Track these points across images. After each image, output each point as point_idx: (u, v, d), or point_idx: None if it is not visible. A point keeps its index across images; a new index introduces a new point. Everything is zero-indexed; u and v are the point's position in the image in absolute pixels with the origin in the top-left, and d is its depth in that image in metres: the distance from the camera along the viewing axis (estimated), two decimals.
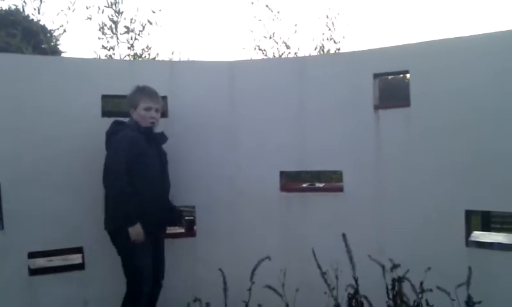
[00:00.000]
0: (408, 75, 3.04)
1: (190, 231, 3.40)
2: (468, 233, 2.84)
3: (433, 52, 2.89)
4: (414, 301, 1.98)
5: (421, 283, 1.98)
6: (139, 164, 2.86)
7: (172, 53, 7.79)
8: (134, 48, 6.98)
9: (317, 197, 3.31)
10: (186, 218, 3.52)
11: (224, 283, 2.07)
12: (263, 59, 6.45)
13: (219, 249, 3.26)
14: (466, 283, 1.92)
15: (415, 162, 2.93)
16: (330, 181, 4.20)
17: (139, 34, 7.08)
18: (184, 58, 7.40)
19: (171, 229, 3.55)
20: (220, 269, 2.11)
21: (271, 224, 3.31)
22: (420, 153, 2.90)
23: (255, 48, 7.49)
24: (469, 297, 1.89)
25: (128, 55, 6.89)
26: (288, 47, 7.33)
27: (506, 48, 2.65)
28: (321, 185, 3.45)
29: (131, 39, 7.07)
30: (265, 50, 7.47)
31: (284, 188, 3.33)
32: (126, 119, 3.06)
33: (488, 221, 4.19)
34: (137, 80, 3.19)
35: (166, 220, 3.13)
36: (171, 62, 3.92)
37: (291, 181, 4.29)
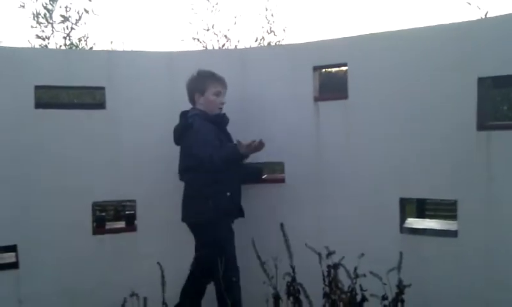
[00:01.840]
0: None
1: (130, 226, 3.33)
2: (403, 220, 2.96)
3: (371, 46, 2.96)
4: (349, 286, 2.05)
5: (355, 269, 2.04)
6: None
7: (111, 43, 7.58)
8: (71, 37, 6.72)
9: (260, 188, 3.33)
10: (127, 212, 3.44)
11: (162, 276, 2.05)
12: (204, 50, 6.40)
13: (160, 243, 3.21)
14: (397, 268, 2.00)
15: (352, 153, 3.02)
16: (274, 172, 4.24)
17: (75, 24, 6.82)
18: (122, 48, 7.21)
19: (110, 225, 3.48)
20: (158, 263, 2.09)
21: None
22: (357, 144, 2.99)
23: (195, 40, 7.44)
24: (400, 281, 1.97)
25: (65, 45, 6.64)
26: (228, 39, 7.33)
27: (444, 43, 2.75)
28: (264, 176, 3.47)
29: (67, 28, 6.80)
30: (204, 42, 7.43)
31: None
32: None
33: (422, 209, 4.40)
34: (72, 70, 3.09)
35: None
36: (108, 52, 3.80)
37: None
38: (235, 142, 2.82)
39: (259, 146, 2.74)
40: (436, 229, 2.93)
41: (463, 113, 2.69)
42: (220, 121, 2.94)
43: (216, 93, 2.92)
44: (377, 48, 2.93)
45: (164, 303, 2.02)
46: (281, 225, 2.08)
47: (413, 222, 3.04)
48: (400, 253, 2.03)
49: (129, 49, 6.35)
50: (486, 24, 2.71)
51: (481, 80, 2.65)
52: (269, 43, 6.57)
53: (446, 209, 4.87)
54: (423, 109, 2.81)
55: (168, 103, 3.26)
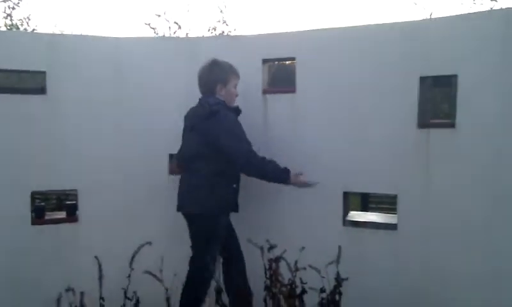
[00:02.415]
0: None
1: (72, 217, 3.22)
2: (346, 213, 3.03)
3: (319, 41, 2.99)
4: (289, 279, 2.07)
5: (295, 262, 2.07)
6: None
7: (55, 26, 7.28)
8: (12, 18, 6.39)
9: None
10: (68, 202, 3.32)
11: (100, 270, 2.00)
12: (152, 37, 6.26)
13: (102, 235, 3.13)
14: (336, 261, 2.04)
15: (298, 146, 3.04)
16: None
17: (17, 4, 6.49)
18: (67, 32, 6.95)
19: (51, 215, 3.35)
20: (96, 256, 2.03)
21: (159, 208, 3.25)
22: (303, 137, 3.02)
23: (147, 25, 7.27)
24: (338, 274, 2.01)
25: (5, 25, 6.31)
26: (179, 27, 7.21)
27: (388, 42, 2.81)
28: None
29: (8, 8, 6.46)
30: (155, 29, 7.28)
31: (173, 171, 3.28)
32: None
33: (366, 202, 4.51)
34: (12, 53, 2.93)
35: None
36: (51, 35, 3.62)
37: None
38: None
39: (307, 186, 2.83)
40: (376, 222, 3.02)
41: (404, 111, 2.77)
42: (239, 113, 2.92)
43: (235, 85, 2.93)
44: (326, 44, 2.97)
45: (101, 298, 1.97)
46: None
47: (355, 215, 3.11)
48: (339, 247, 2.07)
49: (74, 33, 6.11)
50: (429, 25, 2.78)
51: (422, 80, 2.74)
52: (222, 33, 6.51)
53: (389, 202, 5.05)
54: (367, 106, 2.87)
55: (113, 90, 3.17)
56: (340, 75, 2.93)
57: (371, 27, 2.90)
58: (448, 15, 2.76)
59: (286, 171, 2.77)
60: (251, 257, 2.10)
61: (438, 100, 3.70)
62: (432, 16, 3.00)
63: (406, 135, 2.76)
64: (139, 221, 3.20)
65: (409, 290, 2.80)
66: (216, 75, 2.89)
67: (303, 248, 2.12)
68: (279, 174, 2.77)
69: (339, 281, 1.98)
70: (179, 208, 2.90)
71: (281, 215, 3.11)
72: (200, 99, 2.93)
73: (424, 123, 2.74)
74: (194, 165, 2.84)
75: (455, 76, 2.63)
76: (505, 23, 2.48)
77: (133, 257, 2.07)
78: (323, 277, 1.98)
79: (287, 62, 4.16)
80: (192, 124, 2.87)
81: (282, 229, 3.01)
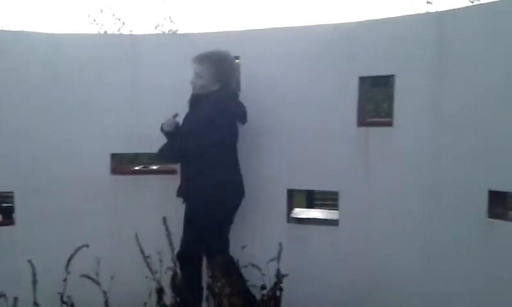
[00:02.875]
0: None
1: (8, 219, 3.09)
2: (290, 210, 3.08)
3: (263, 40, 3.01)
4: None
5: (237, 260, 2.08)
6: None
7: None
8: None
9: (152, 179, 3.27)
10: (4, 205, 3.18)
11: (34, 275, 1.93)
12: (93, 34, 6.09)
13: (39, 238, 3.02)
14: (277, 258, 2.07)
15: (244, 144, 3.04)
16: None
17: None
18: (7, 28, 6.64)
19: None
20: (29, 261, 1.96)
21: (101, 209, 3.17)
22: (249, 136, 3.03)
23: (92, 22, 7.07)
24: (278, 270, 2.04)
25: None
26: (123, 23, 7.06)
27: (329, 42, 2.87)
28: (155, 167, 3.40)
29: None
30: (100, 24, 7.09)
31: (115, 171, 3.21)
32: None
33: (311, 199, 4.60)
34: None
35: None
36: None
37: (128, 163, 4.17)
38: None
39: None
40: (319, 219, 3.08)
41: (345, 109, 2.84)
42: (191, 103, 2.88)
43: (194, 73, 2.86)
44: (270, 43, 2.99)
45: (35, 303, 1.90)
46: (164, 219, 2.05)
47: (299, 213, 3.16)
48: (280, 244, 2.10)
49: (11, 29, 5.85)
50: (369, 26, 2.86)
51: (362, 79, 2.82)
52: (170, 31, 6.41)
53: (333, 199, 5.17)
54: (310, 105, 2.92)
55: (52, 88, 3.06)
56: (284, 74, 2.97)
57: (315, 28, 2.95)
58: (386, 17, 2.86)
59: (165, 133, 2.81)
60: None
61: (379, 99, 3.81)
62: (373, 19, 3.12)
63: (346, 133, 2.83)
64: (77, 223, 3.11)
65: (352, 284, 2.88)
66: (233, 69, 2.91)
67: (244, 247, 2.13)
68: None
69: (279, 277, 2.00)
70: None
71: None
72: None
73: (363, 121, 2.83)
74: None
75: (392, 76, 2.73)
76: (439, 25, 2.60)
77: (69, 260, 2.01)
78: (264, 274, 2.00)
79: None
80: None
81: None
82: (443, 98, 2.57)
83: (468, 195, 2.49)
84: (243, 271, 2.10)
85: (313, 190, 4.36)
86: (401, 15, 2.84)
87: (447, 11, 2.67)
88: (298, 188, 3.19)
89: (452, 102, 2.53)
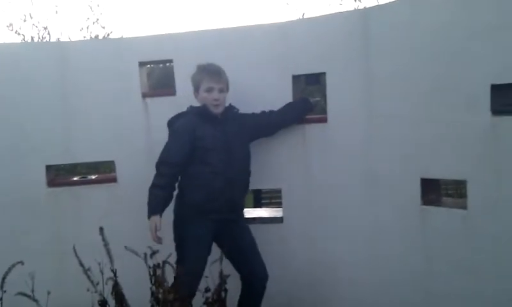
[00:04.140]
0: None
1: None
2: None
3: (196, 42, 3.00)
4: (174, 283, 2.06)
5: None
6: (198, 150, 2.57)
7: None
8: None
9: (91, 190, 3.18)
10: None
11: None
12: (17, 43, 5.83)
13: None
14: (219, 259, 2.08)
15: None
16: (110, 172, 4.08)
17: None
18: None
19: None
20: None
21: (39, 223, 3.06)
22: None
23: (16, 33, 6.74)
24: (221, 272, 2.04)
25: None
26: (48, 31, 6.78)
27: (264, 42, 2.91)
28: (93, 177, 3.31)
29: None
30: (22, 34, 6.77)
31: (52, 183, 3.10)
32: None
33: (259, 198, 4.63)
34: None
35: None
36: None
37: (66, 175, 4.04)
38: None
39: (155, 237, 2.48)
40: (264, 217, 3.12)
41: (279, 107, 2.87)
42: (215, 122, 2.65)
43: (209, 89, 2.64)
44: (203, 46, 2.98)
45: None
46: (101, 229, 2.00)
47: (246, 212, 3.17)
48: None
49: None
50: (299, 25, 2.93)
51: (295, 78, 2.87)
52: (97, 36, 6.22)
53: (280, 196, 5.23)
54: (248, 104, 2.94)
55: None
56: None
57: (249, 28, 2.98)
58: (316, 16, 2.93)
59: (151, 210, 2.52)
60: (134, 265, 2.06)
61: (315, 96, 3.91)
62: (305, 17, 3.15)
63: (284, 131, 2.87)
64: (16, 238, 3.00)
65: (297, 279, 2.94)
66: (192, 80, 2.72)
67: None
68: (149, 206, 2.55)
69: (223, 278, 2.01)
70: None
71: (171, 218, 3.07)
72: None
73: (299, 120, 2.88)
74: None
75: (323, 73, 2.81)
76: (365, 21, 2.69)
77: (3, 278, 1.93)
78: (206, 276, 2.00)
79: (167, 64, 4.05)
80: None
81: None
82: (374, 92, 2.67)
83: (403, 183, 2.60)
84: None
85: (259, 189, 4.39)
86: (330, 13, 2.92)
87: (372, 7, 2.77)
88: None
89: (381, 95, 2.64)
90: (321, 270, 2.90)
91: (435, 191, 2.61)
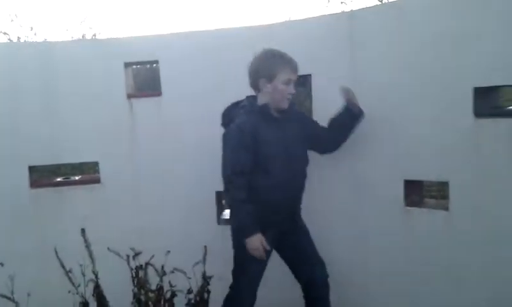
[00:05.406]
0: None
1: None
2: (220, 212, 3.08)
3: (182, 44, 3.00)
4: (157, 285, 2.06)
5: (162, 267, 2.06)
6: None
7: None
8: None
9: (74, 190, 3.14)
10: None
11: None
12: (4, 42, 5.77)
13: None
14: (203, 261, 2.07)
15: (169, 149, 3.03)
16: (94, 172, 4.05)
17: None
18: None
19: None
20: None
21: (21, 224, 3.03)
22: (171, 140, 3.01)
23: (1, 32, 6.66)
24: (204, 273, 2.04)
25: None
26: (34, 32, 6.70)
27: (249, 44, 2.89)
28: (77, 177, 3.28)
29: None
30: (7, 34, 6.69)
31: (35, 184, 3.07)
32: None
33: None
34: None
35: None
36: None
37: (49, 175, 4.00)
38: None
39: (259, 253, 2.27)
40: None
41: None
42: (278, 121, 2.40)
43: (288, 81, 2.34)
44: (190, 47, 2.98)
45: None
46: (82, 230, 1.99)
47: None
48: (205, 247, 2.10)
49: None
50: (284, 26, 2.93)
51: None
52: (83, 36, 6.17)
53: None
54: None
55: None
56: (206, 78, 2.96)
57: (232, 30, 2.98)
58: (302, 18, 2.94)
59: (251, 229, 2.23)
60: (118, 266, 2.05)
61: (302, 98, 3.93)
62: (291, 19, 3.14)
63: None
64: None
65: (278, 282, 2.92)
66: (259, 66, 2.35)
67: (168, 252, 2.11)
68: (245, 226, 2.26)
69: (206, 279, 2.00)
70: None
71: (156, 219, 3.06)
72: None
73: None
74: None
75: (309, 75, 2.81)
76: (350, 24, 2.71)
77: None
78: (189, 278, 2.00)
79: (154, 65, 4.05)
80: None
81: (160, 233, 2.96)
82: (359, 94, 2.67)
83: (387, 185, 2.62)
84: (169, 277, 2.07)
85: None
86: (316, 15, 2.93)
87: (359, 10, 2.78)
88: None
89: (366, 97, 2.64)
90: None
91: (418, 192, 2.63)
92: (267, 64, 2.33)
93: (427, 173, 2.51)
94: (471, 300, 2.34)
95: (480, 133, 2.27)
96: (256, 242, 2.20)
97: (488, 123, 2.25)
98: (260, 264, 2.34)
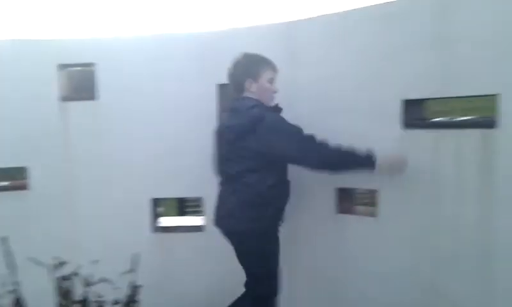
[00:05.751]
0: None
1: None
2: (154, 219, 3.03)
3: (119, 47, 2.93)
4: (82, 295, 1.99)
5: (88, 277, 1.99)
6: None
7: None
8: None
9: (1, 197, 3.00)
10: None
11: None
12: None
13: None
14: (132, 270, 2.02)
15: (104, 154, 2.95)
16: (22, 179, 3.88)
17: None
18: None
19: None
20: None
21: None
22: (108, 145, 2.94)
23: None
24: (131, 283, 1.99)
25: None
26: None
27: (187, 50, 2.89)
28: (6, 183, 3.13)
29: None
30: None
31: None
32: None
33: (183, 206, 4.58)
34: None
35: None
36: None
37: None
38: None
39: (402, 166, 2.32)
40: (186, 226, 3.09)
41: (206, 115, 2.87)
42: (280, 112, 2.47)
43: (271, 79, 2.45)
44: (127, 51, 2.92)
45: None
46: (4, 239, 1.90)
47: (165, 221, 3.14)
48: (134, 255, 2.05)
49: None
50: (224, 35, 2.92)
51: (221, 87, 2.88)
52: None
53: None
54: (171, 113, 2.91)
55: None
56: (143, 82, 2.92)
57: (174, 36, 2.94)
58: (242, 27, 2.96)
59: (370, 159, 2.27)
60: (43, 276, 1.96)
61: None
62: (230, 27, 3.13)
63: (207, 141, 2.82)
64: None
65: (218, 287, 2.92)
66: (243, 67, 2.43)
67: (97, 261, 2.05)
68: (360, 159, 2.28)
69: (134, 289, 1.96)
70: (224, 225, 2.50)
71: (94, 227, 2.98)
72: (232, 102, 2.49)
73: None
74: (249, 180, 2.36)
75: None
76: (289, 33, 2.76)
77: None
78: (117, 288, 1.94)
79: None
80: (236, 135, 2.36)
81: (97, 242, 2.90)
82: (297, 105, 2.71)
83: (321, 193, 2.68)
84: (98, 287, 2.01)
85: (183, 198, 4.35)
86: (256, 25, 2.95)
87: (295, 21, 2.83)
88: (163, 196, 3.14)
89: (301, 108, 2.69)
90: (238, 278, 2.90)
91: (349, 200, 2.71)
92: (251, 65, 2.43)
93: (357, 181, 2.58)
94: (399, 305, 2.43)
95: (407, 143, 2.36)
96: (389, 158, 2.31)
97: (415, 134, 2.35)
98: (276, 255, 2.49)
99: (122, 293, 2.07)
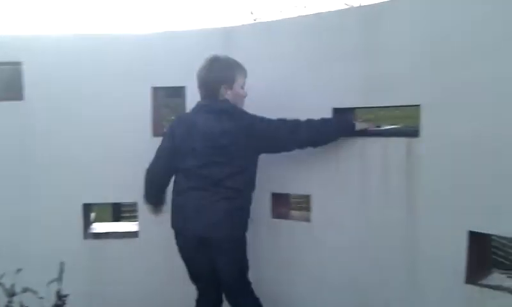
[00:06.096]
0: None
1: None
2: (86, 225, 2.94)
3: (50, 46, 2.83)
4: (5, 305, 1.89)
5: (12, 286, 1.90)
6: None
7: None
8: None
9: None
10: None
11: None
12: None
13: None
14: (58, 278, 1.95)
15: (29, 159, 2.83)
16: None
17: None
18: None
19: None
20: None
21: None
22: (34, 149, 2.83)
23: None
24: (58, 291, 1.92)
25: None
26: None
27: (123, 51, 2.85)
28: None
29: None
30: None
31: None
32: None
33: (118, 212, 4.47)
34: None
35: None
36: None
37: None
38: None
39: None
40: (119, 232, 3.02)
41: (139, 119, 2.83)
42: None
43: (243, 85, 2.45)
44: (58, 49, 2.83)
45: None
46: None
47: (97, 227, 3.05)
48: (61, 263, 1.98)
49: None
50: (161, 37, 2.90)
51: (155, 90, 2.85)
52: None
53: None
54: (102, 114, 2.84)
55: None
56: (74, 83, 2.84)
57: (108, 36, 2.88)
58: (179, 30, 2.95)
59: (347, 120, 2.44)
60: None
61: (181, 109, 3.91)
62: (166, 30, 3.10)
63: (141, 144, 2.78)
64: None
65: (156, 292, 2.88)
66: (219, 74, 2.38)
67: (20, 270, 1.96)
68: (340, 127, 2.41)
69: (60, 298, 1.89)
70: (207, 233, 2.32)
71: (29, 233, 2.87)
72: (200, 106, 2.41)
73: (157, 132, 2.84)
74: (233, 183, 2.29)
75: (184, 87, 2.82)
76: (225, 40, 2.77)
77: None
78: (41, 298, 1.86)
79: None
80: (212, 135, 2.29)
81: (34, 246, 2.81)
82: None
83: (257, 198, 2.70)
84: (22, 297, 1.91)
85: (120, 203, 4.24)
86: (193, 28, 2.95)
87: (232, 27, 2.86)
88: (94, 202, 3.05)
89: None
90: (179, 285, 2.86)
91: (285, 205, 2.76)
92: (226, 72, 2.41)
93: (292, 187, 2.64)
94: (335, 303, 2.51)
95: (339, 151, 2.44)
96: (360, 124, 2.42)
97: (344, 142, 2.43)
98: None
99: (50, 303, 2.00)
